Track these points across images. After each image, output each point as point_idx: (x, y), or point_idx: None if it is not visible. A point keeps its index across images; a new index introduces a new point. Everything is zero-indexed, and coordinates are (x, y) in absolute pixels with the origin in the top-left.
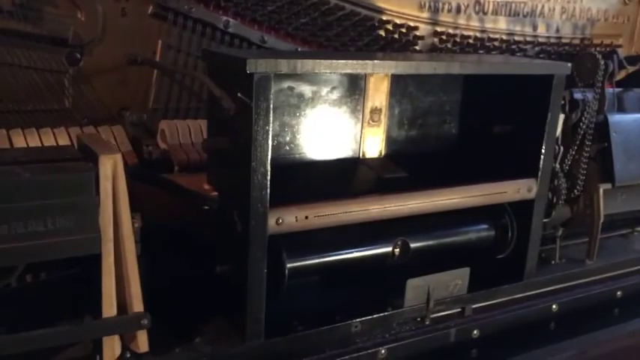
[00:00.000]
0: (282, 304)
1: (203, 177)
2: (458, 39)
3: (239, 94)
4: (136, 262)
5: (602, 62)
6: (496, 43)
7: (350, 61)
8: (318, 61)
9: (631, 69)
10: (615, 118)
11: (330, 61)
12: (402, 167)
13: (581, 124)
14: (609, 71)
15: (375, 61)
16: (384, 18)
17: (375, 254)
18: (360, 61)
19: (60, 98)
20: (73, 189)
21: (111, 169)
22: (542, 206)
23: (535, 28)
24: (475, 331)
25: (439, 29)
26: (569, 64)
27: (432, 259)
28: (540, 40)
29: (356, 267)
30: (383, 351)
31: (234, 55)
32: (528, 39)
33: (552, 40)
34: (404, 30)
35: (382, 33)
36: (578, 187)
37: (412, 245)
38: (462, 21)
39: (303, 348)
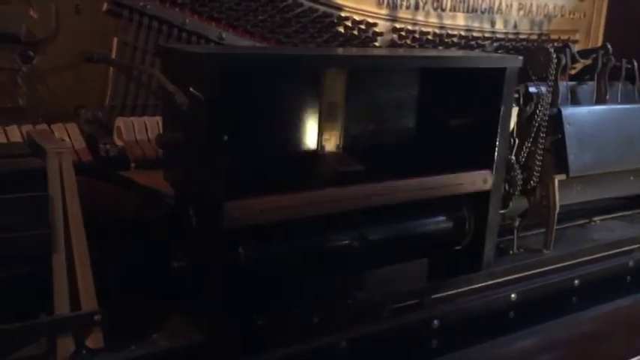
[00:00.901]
0: (241, 298)
1: (160, 173)
2: (417, 35)
3: (191, 89)
4: (88, 258)
5: (554, 56)
6: (455, 39)
7: (303, 56)
8: (270, 55)
9: (584, 62)
10: (568, 111)
11: (283, 55)
12: (359, 161)
13: (535, 116)
14: (562, 65)
15: (329, 56)
16: (343, 15)
17: (333, 246)
18: (313, 56)
19: (13, 97)
20: (22, 185)
21: (58, 164)
22: (498, 197)
23: (493, 24)
24: (435, 322)
25: (398, 25)
26: (521, 57)
27: (391, 251)
28: (498, 36)
29: (315, 259)
30: (343, 342)
31: (187, 50)
32: (487, 35)
33: (510, 36)
34: (363, 26)
35: (341, 30)
36: (534, 179)
37: (371, 237)
38: (420, 17)
39: (262, 341)
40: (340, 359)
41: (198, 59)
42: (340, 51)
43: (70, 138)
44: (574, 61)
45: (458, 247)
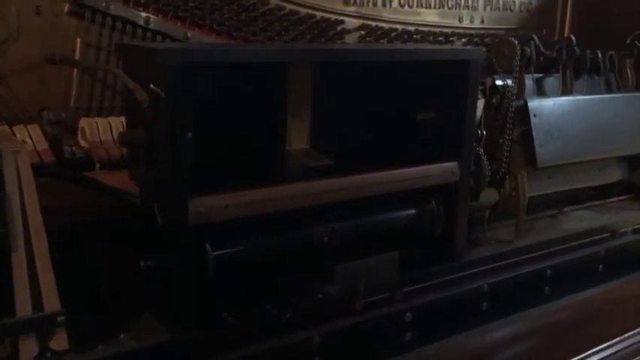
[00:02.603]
0: (211, 295)
1: (125, 173)
2: (385, 32)
3: (151, 85)
4: (49, 257)
5: (518, 48)
6: (423, 36)
7: (265, 50)
8: (232, 49)
9: (548, 54)
10: (534, 102)
11: (244, 49)
12: (327, 156)
13: (501, 108)
14: (526, 57)
15: (292, 50)
16: (310, 12)
17: (303, 241)
18: (275, 50)
19: None
20: None
21: (14, 162)
22: (466, 189)
23: (461, 20)
24: (408, 314)
25: (366, 22)
26: (484, 49)
27: (361, 245)
28: (467, 31)
29: (284, 255)
30: (316, 338)
31: (146, 47)
32: (455, 31)
33: (479, 32)
34: (330, 24)
35: (309, 27)
36: (502, 170)
37: (341, 232)
38: (388, 14)
39: (233, 338)
40: (313, 354)
41: (157, 55)
42: (302, 45)
43: (31, 139)
44: (539, 53)
45: (429, 240)
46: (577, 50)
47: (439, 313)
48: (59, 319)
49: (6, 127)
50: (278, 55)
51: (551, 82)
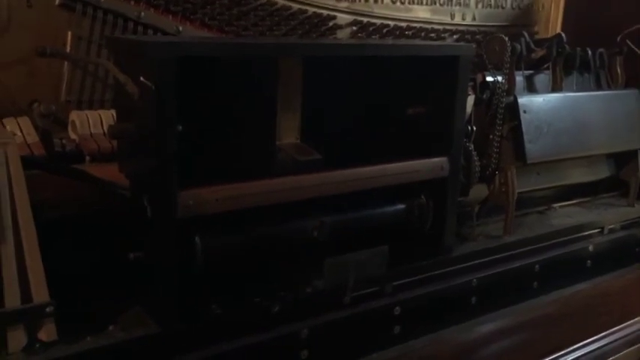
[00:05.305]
0: (200, 287)
1: (116, 166)
2: (377, 28)
3: (141, 79)
4: (38, 249)
5: (509, 44)
6: (415, 32)
7: (255, 44)
8: (222, 43)
9: (539, 51)
10: (524, 99)
11: (235, 43)
12: (317, 150)
13: (492, 104)
14: (517, 53)
15: (282, 45)
16: (302, 7)
17: (293, 235)
18: (265, 44)
19: None
20: None
21: (4, 155)
22: (456, 183)
23: (452, 16)
24: (396, 309)
25: (357, 18)
26: (474, 45)
27: (351, 239)
28: (459, 28)
29: (274, 248)
30: (304, 331)
31: (136, 40)
32: (447, 27)
33: (471, 29)
34: (322, 19)
35: (300, 22)
36: (492, 166)
37: (330, 225)
38: (380, 10)
39: (222, 331)
40: (302, 348)
41: (147, 48)
42: (293, 40)
43: (22, 132)
44: (529, 50)
45: (418, 234)
46: (567, 47)
47: (428, 308)
48: (48, 309)
49: None
50: (268, 50)
51: (542, 78)
